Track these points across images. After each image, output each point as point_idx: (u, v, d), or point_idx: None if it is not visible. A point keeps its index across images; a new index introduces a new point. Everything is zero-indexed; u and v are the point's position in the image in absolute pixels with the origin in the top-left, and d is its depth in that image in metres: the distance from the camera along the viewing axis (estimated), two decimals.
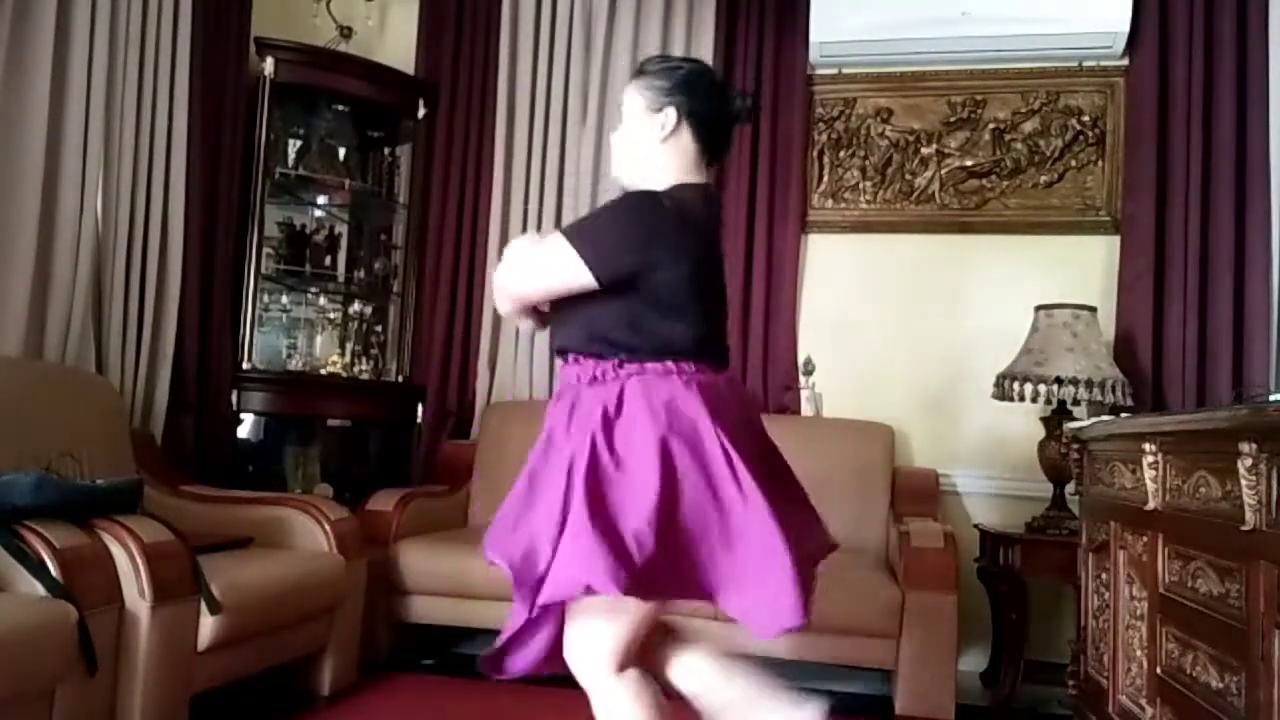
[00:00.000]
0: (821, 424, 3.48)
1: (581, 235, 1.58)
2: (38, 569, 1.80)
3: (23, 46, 2.65)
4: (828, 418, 3.53)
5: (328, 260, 3.72)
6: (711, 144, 1.71)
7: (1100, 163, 3.45)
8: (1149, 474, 1.79)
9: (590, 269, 1.53)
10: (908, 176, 3.59)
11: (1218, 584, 1.51)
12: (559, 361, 1.70)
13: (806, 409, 3.54)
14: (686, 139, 1.67)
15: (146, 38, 2.99)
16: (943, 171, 3.56)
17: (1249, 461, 1.36)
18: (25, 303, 2.63)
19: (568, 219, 3.61)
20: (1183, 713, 1.64)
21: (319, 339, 3.76)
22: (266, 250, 3.52)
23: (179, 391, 3.14)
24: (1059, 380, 2.89)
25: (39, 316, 2.70)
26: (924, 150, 3.58)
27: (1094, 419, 2.30)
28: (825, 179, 3.66)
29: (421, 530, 3.09)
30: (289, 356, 3.68)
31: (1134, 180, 3.33)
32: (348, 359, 3.70)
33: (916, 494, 3.24)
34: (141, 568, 1.94)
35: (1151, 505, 1.79)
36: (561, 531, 1.45)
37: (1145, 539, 1.85)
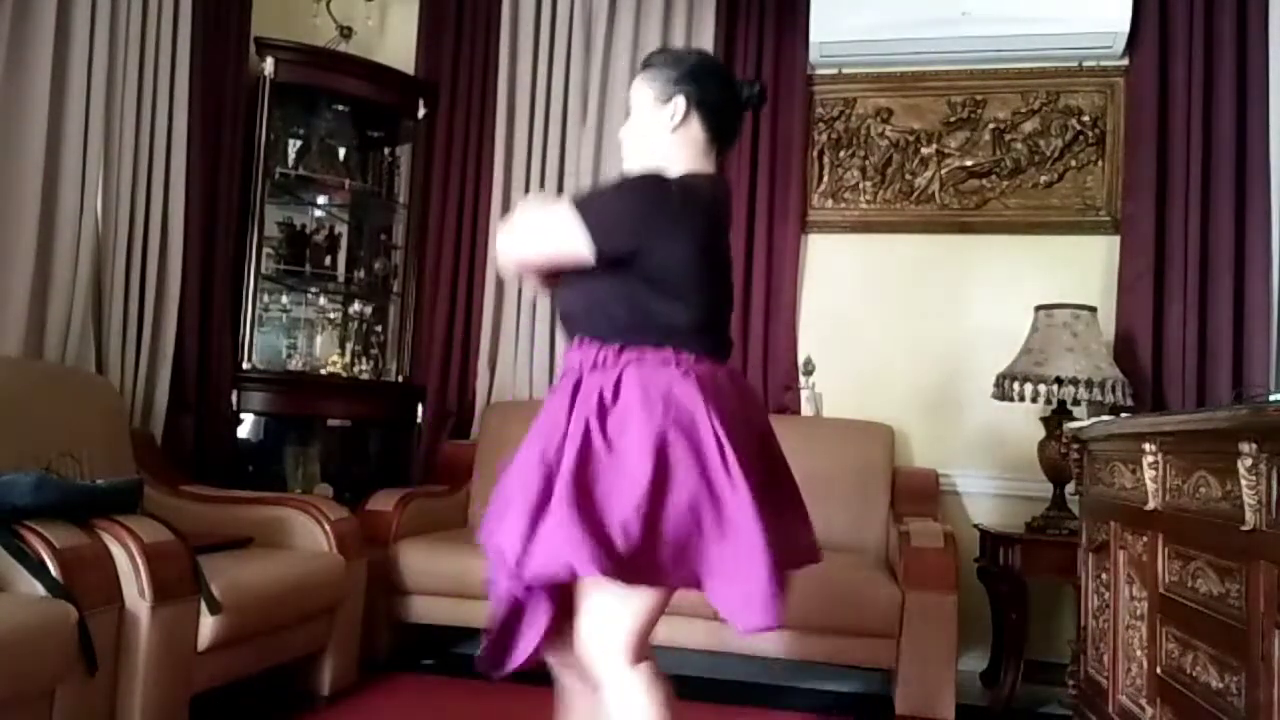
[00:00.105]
0: (821, 424, 3.49)
1: (586, 206, 1.58)
2: (38, 569, 1.80)
3: (23, 46, 2.65)
4: (828, 418, 3.54)
5: (328, 260, 3.73)
6: (720, 132, 1.71)
7: (1100, 163, 3.45)
8: (1149, 474, 1.79)
9: (589, 240, 1.53)
10: (908, 176, 3.59)
11: (1218, 584, 1.51)
12: (566, 344, 1.71)
13: (806, 409, 3.54)
14: (696, 128, 1.68)
15: (146, 38, 2.99)
16: (943, 171, 3.56)
17: (1249, 461, 1.36)
18: (25, 303, 2.64)
19: None
20: (1183, 713, 1.64)
21: (319, 339, 3.76)
22: (266, 250, 3.52)
23: (179, 391, 3.14)
24: (1059, 380, 2.89)
25: (39, 316, 2.70)
26: (924, 150, 3.58)
27: (1094, 419, 2.30)
28: (825, 179, 3.66)
29: (421, 530, 3.10)
30: (289, 356, 3.69)
31: (1134, 180, 3.33)
32: (348, 359, 3.70)
33: (916, 494, 3.24)
34: (141, 568, 1.94)
35: (1151, 505, 1.79)
36: (544, 512, 1.45)
37: (1145, 539, 1.85)
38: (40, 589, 1.80)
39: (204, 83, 3.20)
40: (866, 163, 3.63)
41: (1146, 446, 1.79)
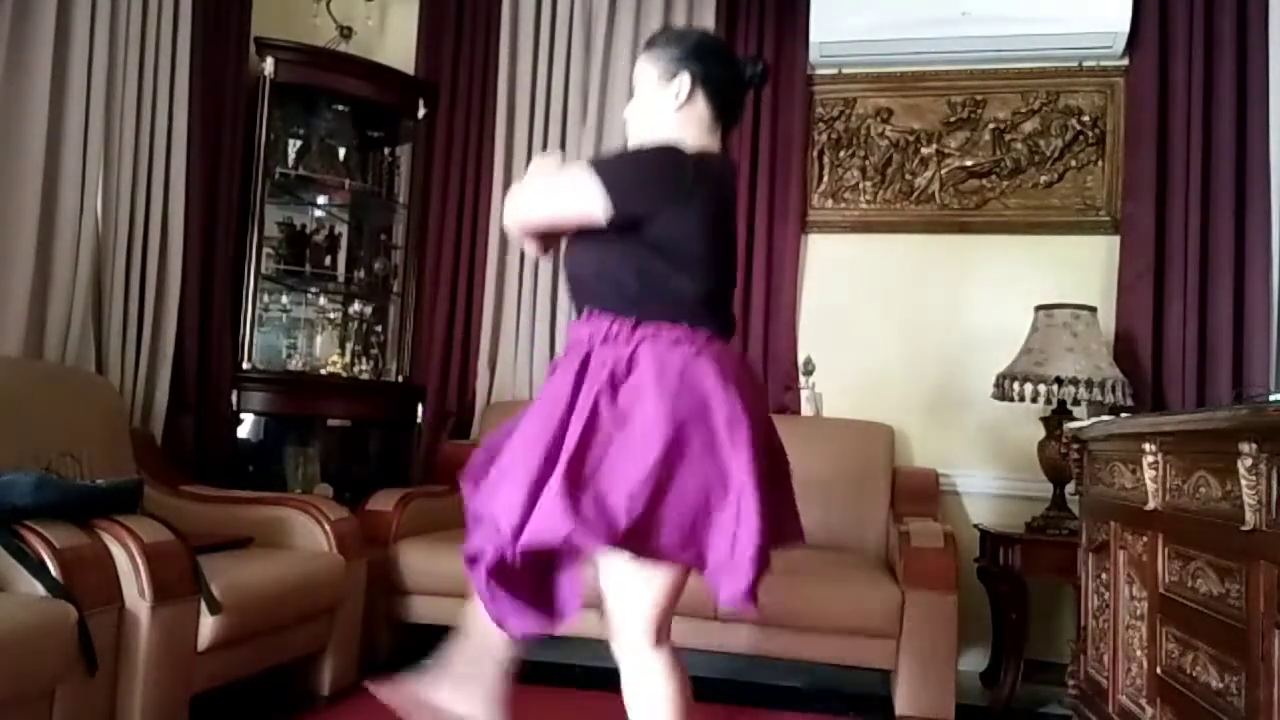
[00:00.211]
0: (821, 424, 3.49)
1: (602, 167, 1.58)
2: (38, 569, 1.80)
3: (23, 46, 2.65)
4: (828, 418, 3.54)
5: (328, 260, 3.73)
6: (724, 110, 1.72)
7: (1100, 163, 3.45)
8: (1149, 474, 1.79)
9: (604, 199, 1.53)
10: (908, 176, 3.59)
11: (1218, 584, 1.51)
12: (572, 317, 1.71)
13: (806, 409, 3.54)
14: (701, 106, 1.69)
15: (146, 38, 2.99)
16: (943, 171, 3.56)
17: (1249, 461, 1.36)
18: (25, 303, 2.64)
19: None
20: (1183, 713, 1.64)
21: (319, 339, 3.76)
22: (266, 250, 3.52)
23: (179, 391, 3.14)
24: (1059, 380, 2.89)
25: (39, 316, 2.70)
26: (924, 150, 3.58)
27: (1094, 419, 2.30)
28: (825, 179, 3.66)
29: (421, 530, 3.09)
30: (289, 356, 3.69)
31: (1134, 180, 3.33)
32: (348, 359, 3.70)
33: (916, 494, 3.24)
34: (141, 568, 1.94)
35: (1151, 505, 1.79)
36: (545, 480, 1.46)
37: (1145, 539, 1.85)
38: (40, 589, 1.79)
39: (204, 83, 3.20)
40: (866, 163, 3.63)
41: (1146, 446, 1.79)
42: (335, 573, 2.59)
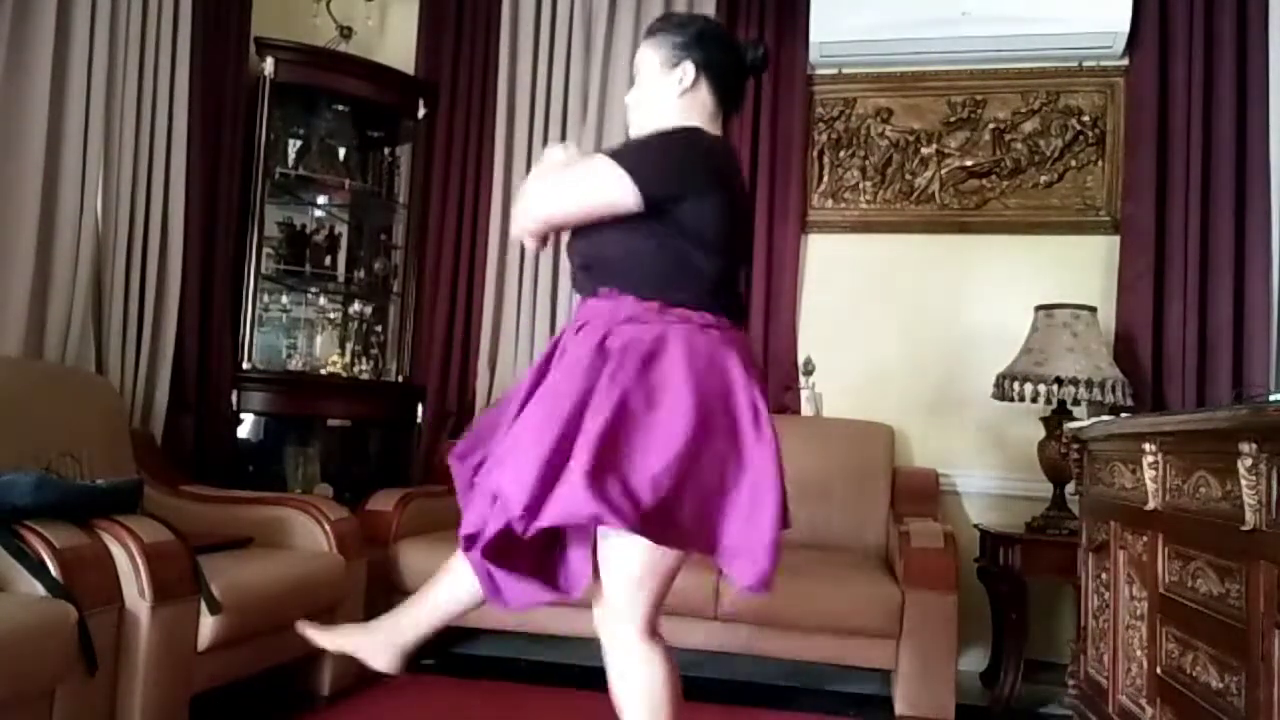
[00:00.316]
0: (821, 424, 3.49)
1: (625, 156, 1.57)
2: (38, 569, 1.80)
3: (23, 46, 2.65)
4: (828, 418, 3.54)
5: (328, 260, 3.73)
6: (726, 97, 1.73)
7: (1100, 163, 3.45)
8: (1149, 474, 1.79)
9: (635, 187, 1.52)
10: (908, 176, 3.59)
11: (1218, 584, 1.51)
12: (581, 297, 1.68)
13: (806, 409, 3.54)
14: (704, 92, 1.70)
15: (146, 38, 2.99)
16: (943, 171, 3.56)
17: (1249, 461, 1.36)
18: (25, 303, 2.64)
19: None
20: (1183, 713, 1.64)
21: (319, 339, 3.76)
22: (266, 250, 3.52)
23: (179, 391, 3.14)
24: (1059, 380, 2.89)
25: (39, 316, 2.70)
26: (924, 150, 3.58)
27: (1094, 419, 2.29)
28: (825, 179, 3.66)
29: (421, 530, 3.09)
30: (289, 356, 3.69)
31: (1134, 180, 3.33)
32: (348, 359, 3.70)
33: (916, 494, 3.24)
34: (141, 568, 1.94)
35: (1151, 505, 1.79)
36: (565, 457, 1.44)
37: (1145, 539, 1.85)
38: (40, 589, 1.80)
39: (204, 83, 3.20)
40: (866, 163, 3.63)
41: (1146, 446, 1.79)
42: (335, 573, 2.59)
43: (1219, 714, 1.48)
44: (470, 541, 1.57)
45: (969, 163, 3.54)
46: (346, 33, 3.86)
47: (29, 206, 2.65)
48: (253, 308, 3.42)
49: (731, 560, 1.49)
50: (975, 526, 3.21)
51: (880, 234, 3.61)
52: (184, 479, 2.88)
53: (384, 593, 2.95)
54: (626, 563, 1.53)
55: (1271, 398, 1.55)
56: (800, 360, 3.58)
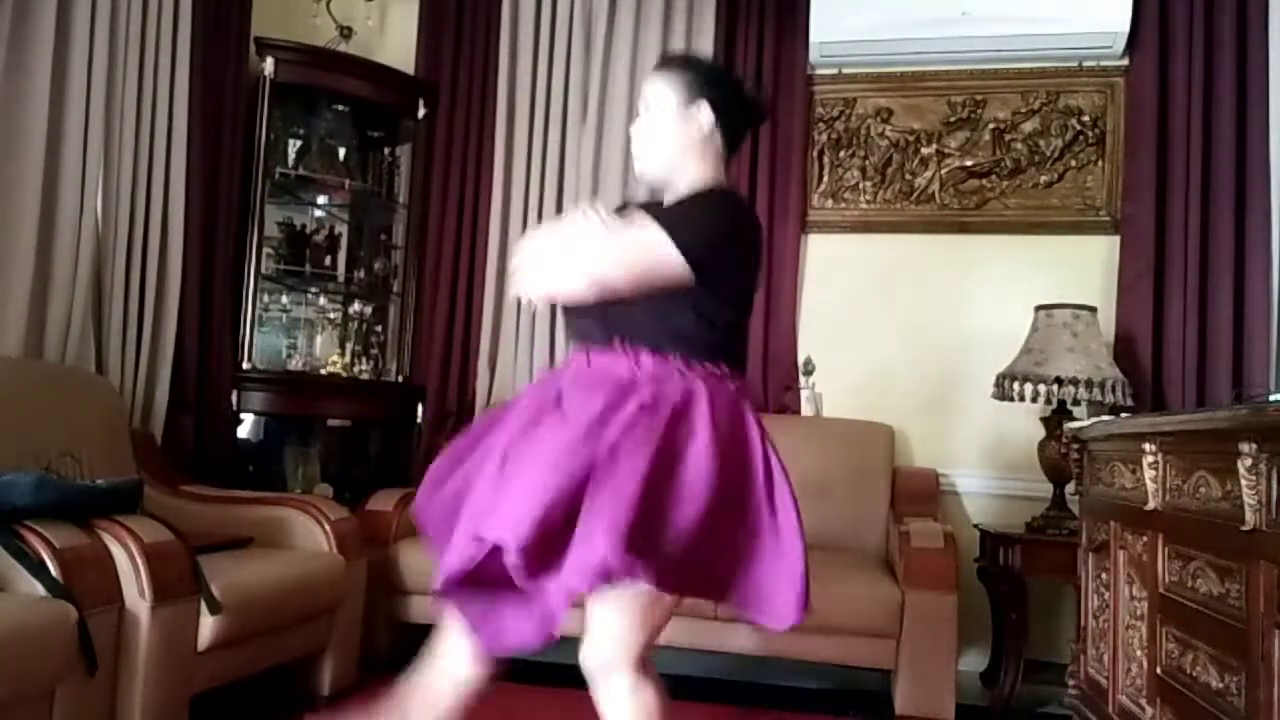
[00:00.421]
0: (821, 424, 3.48)
1: (678, 229, 1.54)
2: (38, 569, 1.80)
3: (23, 46, 2.65)
4: (828, 418, 3.53)
5: (328, 260, 3.72)
6: (734, 143, 1.75)
7: (1100, 163, 3.45)
8: (1149, 474, 1.79)
9: (686, 262, 1.52)
10: (908, 176, 3.59)
11: (1218, 584, 1.51)
12: (581, 344, 1.64)
13: (806, 409, 3.54)
14: (717, 137, 1.71)
15: (146, 38, 2.99)
16: (943, 171, 3.56)
17: (1249, 461, 1.36)
18: (25, 303, 2.64)
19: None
20: (1183, 713, 1.64)
21: (319, 339, 3.76)
22: (266, 250, 3.52)
23: (179, 391, 3.13)
24: (1059, 380, 2.89)
25: (39, 316, 2.70)
26: (924, 150, 3.58)
27: (1094, 419, 2.30)
28: (825, 179, 3.66)
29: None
30: (289, 356, 3.68)
31: (1134, 180, 3.33)
32: (348, 359, 3.70)
33: (916, 494, 3.24)
34: (141, 568, 1.94)
35: (1151, 505, 1.79)
36: (565, 502, 1.41)
37: (1145, 539, 1.85)
38: (40, 589, 1.80)
39: (204, 83, 3.20)
40: (866, 163, 3.63)
41: (1146, 446, 1.79)
42: (335, 573, 2.59)
43: (1219, 714, 1.48)
44: (452, 584, 1.51)
45: (969, 163, 3.54)
46: (346, 33, 3.86)
47: (29, 206, 2.65)
48: (253, 308, 3.41)
49: (755, 612, 1.56)
50: (975, 526, 3.21)
51: (880, 234, 3.61)
52: (184, 479, 2.88)
53: (384, 593, 2.95)
54: (628, 608, 1.52)
55: (1271, 398, 1.55)
56: (800, 360, 3.58)
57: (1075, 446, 2.37)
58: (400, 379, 3.83)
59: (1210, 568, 1.55)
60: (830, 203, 3.66)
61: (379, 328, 3.89)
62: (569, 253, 1.54)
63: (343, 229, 3.82)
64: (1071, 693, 2.39)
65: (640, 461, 1.42)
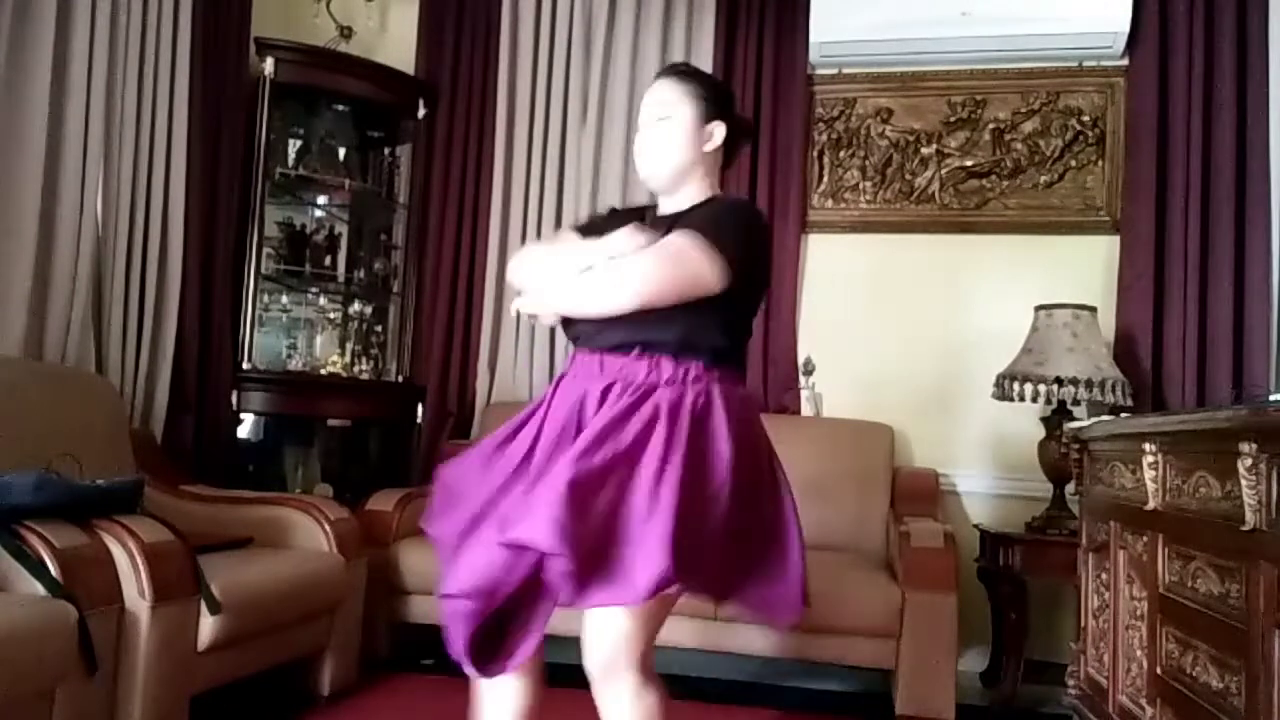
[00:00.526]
0: (821, 424, 3.48)
1: (720, 236, 1.57)
2: (38, 569, 1.80)
3: (23, 46, 2.65)
4: (828, 418, 3.53)
5: (328, 260, 3.72)
6: (731, 159, 1.83)
7: (1100, 163, 3.45)
8: (1149, 474, 1.79)
9: (724, 275, 1.56)
10: (908, 176, 3.59)
11: (1218, 584, 1.51)
12: (606, 353, 1.62)
13: (806, 409, 3.54)
14: (719, 152, 1.78)
15: (146, 38, 2.99)
16: (943, 171, 3.56)
17: (1249, 461, 1.36)
18: (25, 303, 2.64)
19: (568, 219, 3.61)
20: (1183, 713, 1.64)
21: (319, 339, 3.76)
22: (266, 250, 3.52)
23: (179, 391, 3.14)
24: (1059, 380, 2.89)
25: (39, 316, 2.70)
26: (924, 150, 3.58)
27: (1094, 419, 2.29)
28: (825, 179, 3.66)
29: (421, 530, 3.09)
30: (289, 356, 3.69)
31: (1134, 180, 3.33)
32: (348, 359, 3.70)
33: (916, 494, 3.23)
34: (141, 568, 1.94)
35: (1151, 505, 1.79)
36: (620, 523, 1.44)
37: (1145, 539, 1.85)
38: (40, 589, 1.79)
39: (204, 83, 3.20)
40: (866, 163, 3.63)
41: (1146, 446, 1.79)
42: (335, 573, 2.59)
43: (1219, 714, 1.48)
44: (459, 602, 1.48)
45: (969, 163, 3.54)
46: (346, 33, 3.86)
47: (29, 206, 2.65)
48: (253, 308, 3.41)
49: (759, 608, 1.62)
50: (975, 526, 3.21)
51: (880, 234, 3.61)
52: (184, 479, 2.88)
53: (384, 593, 2.95)
54: (632, 613, 1.52)
55: (1271, 398, 1.55)
56: (800, 360, 3.58)
57: (1075, 446, 2.37)
58: (400, 379, 3.83)
59: (1210, 568, 1.54)
60: (830, 203, 3.66)
61: (379, 328, 3.89)
62: (609, 270, 1.57)
63: (343, 229, 3.82)
64: (1071, 693, 2.39)
65: (674, 471, 1.47)
